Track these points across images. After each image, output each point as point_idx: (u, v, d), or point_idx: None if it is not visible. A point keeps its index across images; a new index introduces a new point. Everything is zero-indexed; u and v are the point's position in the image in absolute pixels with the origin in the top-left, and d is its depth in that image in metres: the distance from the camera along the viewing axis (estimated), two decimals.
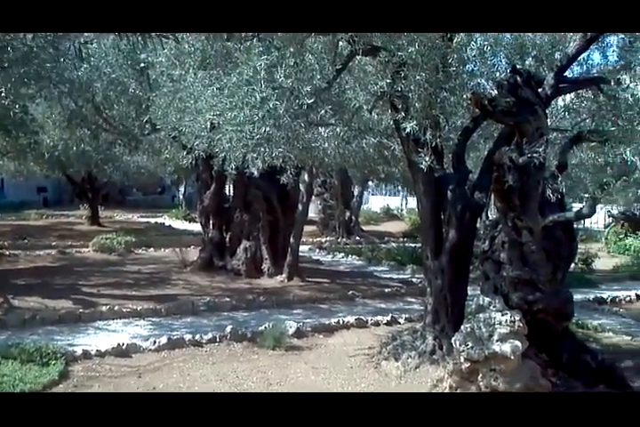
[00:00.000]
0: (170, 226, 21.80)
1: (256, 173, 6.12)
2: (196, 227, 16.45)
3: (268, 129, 5.19)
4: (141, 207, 27.51)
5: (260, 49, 5.24)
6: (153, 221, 23.11)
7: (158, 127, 9.54)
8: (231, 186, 13.86)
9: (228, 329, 7.67)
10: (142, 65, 9.52)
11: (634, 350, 7.72)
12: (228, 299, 9.78)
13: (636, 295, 11.28)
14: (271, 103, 5.05)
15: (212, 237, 12.90)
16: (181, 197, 29.46)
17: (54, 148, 14.29)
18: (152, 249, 15.65)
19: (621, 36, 5.89)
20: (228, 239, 12.85)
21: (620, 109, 5.56)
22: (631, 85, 5.16)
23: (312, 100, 5.32)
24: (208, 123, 6.30)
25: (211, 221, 13.02)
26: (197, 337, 7.47)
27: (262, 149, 5.51)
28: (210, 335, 7.55)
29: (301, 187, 12.21)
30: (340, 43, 5.61)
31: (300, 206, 12.22)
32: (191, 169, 13.29)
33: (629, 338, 8.31)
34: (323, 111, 5.63)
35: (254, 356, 7.12)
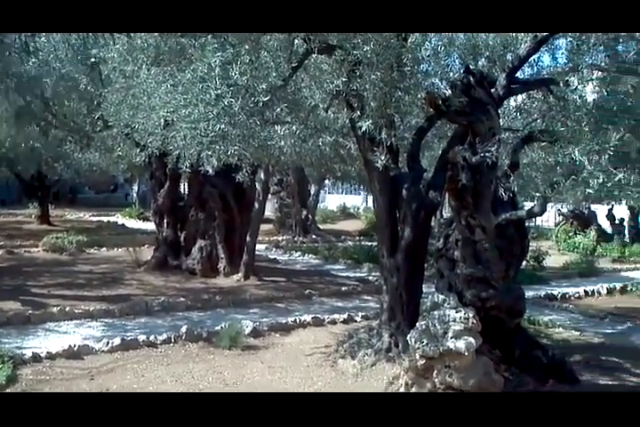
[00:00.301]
0: (123, 225, 21.40)
1: (211, 171, 6.02)
2: (150, 226, 16.20)
3: (222, 126, 5.12)
4: (93, 206, 26.92)
5: (215, 46, 5.17)
6: (105, 219, 22.64)
7: (110, 124, 9.33)
8: (186, 184, 13.69)
9: (184, 329, 7.57)
10: (93, 60, 9.30)
11: (582, 345, 7.94)
12: (183, 299, 9.65)
13: (585, 292, 11.61)
14: (226, 100, 4.99)
15: (167, 236, 12.70)
16: (135, 195, 28.95)
17: (1, 145, 13.85)
18: (105, 249, 15.33)
19: (569, 38, 6.04)
20: (182, 238, 12.68)
21: (568, 110, 5.70)
22: (579, 87, 5.29)
23: (268, 98, 5.28)
24: (162, 120, 6.18)
25: (165, 220, 12.82)
26: (152, 338, 7.35)
27: (217, 147, 5.44)
28: (164, 336, 7.43)
29: (258, 185, 12.14)
30: (296, 41, 5.59)
31: (256, 205, 12.15)
32: (145, 167, 13.03)
33: (578, 333, 8.55)
34: (278, 109, 5.59)
35: (210, 356, 7.04)
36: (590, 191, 4.56)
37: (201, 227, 12.50)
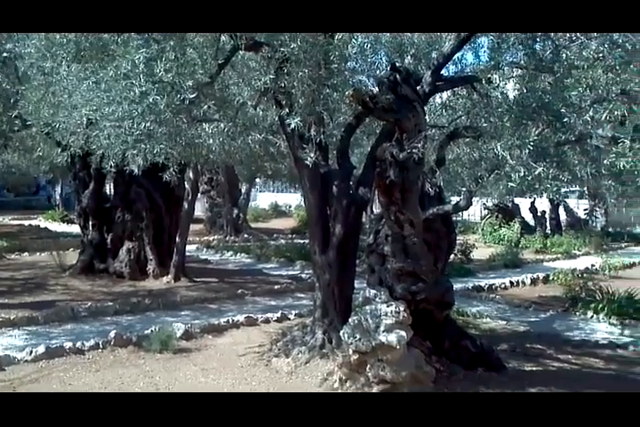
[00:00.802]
0: (46, 228, 20.57)
1: (137, 170, 5.85)
2: (75, 228, 15.62)
3: (148, 125, 5.00)
4: (14, 209, 25.77)
5: (139, 42, 5.03)
6: (27, 223, 21.73)
7: (29, 123, 8.93)
8: (112, 184, 13.29)
9: (112, 334, 7.34)
10: (6, 55, 8.86)
11: (508, 334, 8.23)
12: (111, 303, 9.37)
13: (510, 282, 12.05)
14: (151, 98, 4.87)
15: (92, 238, 12.29)
16: (58, 197, 27.88)
17: None
18: (27, 253, 14.70)
19: (491, 37, 6.21)
20: (109, 241, 12.29)
21: (491, 107, 5.86)
22: (500, 84, 5.46)
23: (194, 95, 5.18)
24: (84, 118, 5.96)
25: (90, 222, 12.40)
26: (78, 344, 7.09)
27: (143, 146, 5.30)
28: (92, 342, 7.19)
29: (187, 184, 11.93)
30: (222, 37, 5.51)
31: (185, 205, 11.93)
32: (67, 167, 12.58)
33: (504, 323, 8.86)
34: (206, 107, 5.50)
35: (140, 361, 6.86)
36: (512, 185, 4.72)
37: (128, 228, 12.16)
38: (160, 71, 4.90)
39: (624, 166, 4.42)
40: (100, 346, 7.15)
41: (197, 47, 5.55)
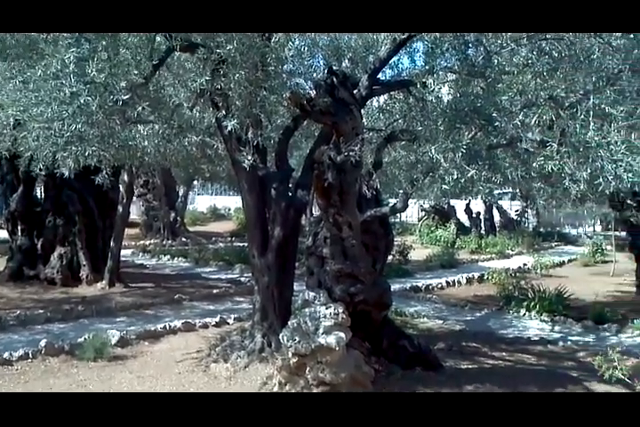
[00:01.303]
0: None
1: (67, 173, 5.66)
2: (3, 234, 14.98)
3: (79, 126, 4.84)
4: None
5: (69, 41, 4.87)
6: None
7: None
8: (42, 188, 12.82)
9: (43, 343, 7.07)
10: None
11: (445, 333, 8.41)
12: (41, 311, 9.02)
13: (447, 282, 12.32)
14: (82, 99, 4.71)
15: (21, 244, 11.81)
16: None
17: None
18: None
19: (426, 42, 6.33)
20: (39, 246, 11.84)
21: (426, 111, 5.98)
22: (435, 88, 5.56)
23: (128, 97, 5.06)
24: (11, 119, 5.76)
25: (19, 227, 11.92)
26: (6, 355, 6.79)
27: (73, 148, 5.13)
28: (21, 352, 6.89)
29: (121, 187, 11.64)
30: (157, 38, 5.40)
31: (119, 208, 11.64)
32: None
33: (441, 322, 9.04)
34: (140, 108, 5.37)
35: (73, 370, 6.63)
36: (446, 187, 4.81)
37: (60, 233, 11.74)
38: (92, 71, 4.76)
39: (552, 169, 4.57)
40: (30, 356, 6.87)
41: (131, 47, 5.41)
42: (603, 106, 4.59)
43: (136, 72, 5.32)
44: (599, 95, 4.70)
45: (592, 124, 4.53)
